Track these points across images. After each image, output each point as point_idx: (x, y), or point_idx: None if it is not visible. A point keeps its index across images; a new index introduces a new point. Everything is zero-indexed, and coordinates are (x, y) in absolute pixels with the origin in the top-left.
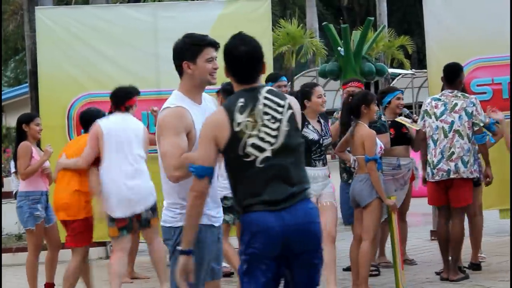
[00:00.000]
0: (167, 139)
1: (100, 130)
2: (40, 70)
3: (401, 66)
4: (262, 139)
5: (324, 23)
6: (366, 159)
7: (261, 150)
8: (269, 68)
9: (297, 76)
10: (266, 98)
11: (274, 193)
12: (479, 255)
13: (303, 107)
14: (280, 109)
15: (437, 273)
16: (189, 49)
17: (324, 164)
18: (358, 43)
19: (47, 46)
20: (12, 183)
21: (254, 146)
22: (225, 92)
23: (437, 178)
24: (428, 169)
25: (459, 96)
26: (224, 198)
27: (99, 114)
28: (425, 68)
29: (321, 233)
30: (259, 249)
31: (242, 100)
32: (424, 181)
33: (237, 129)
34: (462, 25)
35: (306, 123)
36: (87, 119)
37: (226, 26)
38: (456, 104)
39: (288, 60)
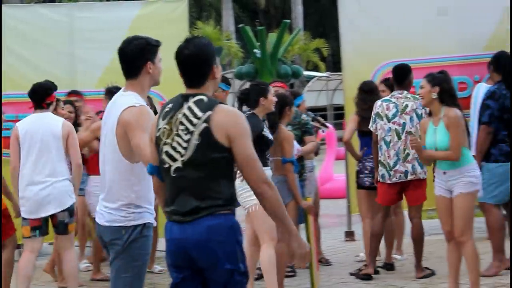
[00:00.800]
0: (144, 136)
1: (17, 132)
2: None
3: (316, 68)
4: (174, 149)
5: (241, 25)
6: (283, 161)
7: (173, 159)
8: None
9: None
10: (188, 107)
11: (181, 205)
12: (392, 255)
13: (256, 104)
14: (195, 120)
15: (351, 274)
16: (150, 50)
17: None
18: (274, 46)
19: None
20: None
21: (167, 154)
22: (108, 93)
23: (394, 179)
24: (383, 171)
25: (409, 98)
26: None
27: None
28: (340, 71)
29: (224, 251)
30: (167, 257)
31: (169, 105)
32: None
33: (157, 134)
34: (377, 30)
35: (263, 123)
36: None
37: (144, 27)
38: (406, 106)
39: None
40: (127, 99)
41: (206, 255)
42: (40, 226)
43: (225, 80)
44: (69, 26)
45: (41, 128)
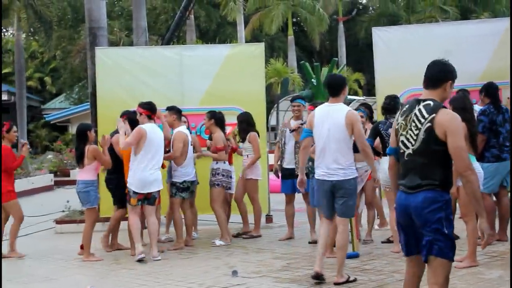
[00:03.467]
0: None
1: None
2: (98, 92)
3: (355, 93)
4: (407, 139)
5: (302, 61)
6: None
7: (406, 147)
8: (262, 94)
9: (282, 100)
10: (419, 109)
11: (409, 181)
12: None
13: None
14: (422, 120)
15: (382, 241)
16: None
17: None
18: (326, 77)
19: (103, 74)
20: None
21: (402, 143)
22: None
23: None
24: None
25: None
26: (184, 182)
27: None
28: (373, 95)
29: (433, 215)
30: (396, 215)
31: (406, 106)
32: None
33: (397, 127)
34: (400, 66)
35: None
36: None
37: (232, 63)
38: None
39: (275, 89)
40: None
41: (420, 216)
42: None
43: (304, 98)
44: (179, 62)
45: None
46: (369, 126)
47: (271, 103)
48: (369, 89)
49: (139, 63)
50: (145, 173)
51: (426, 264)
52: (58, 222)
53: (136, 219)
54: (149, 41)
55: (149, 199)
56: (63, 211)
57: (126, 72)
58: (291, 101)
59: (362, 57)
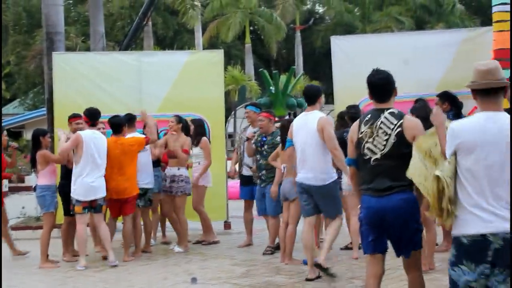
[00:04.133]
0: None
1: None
2: (55, 98)
3: None
4: (375, 146)
5: (260, 69)
6: (293, 166)
7: (373, 153)
8: (221, 101)
9: (239, 107)
10: (385, 117)
11: (378, 184)
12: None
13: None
14: (391, 126)
15: (341, 248)
16: None
17: None
18: (284, 85)
19: (60, 80)
20: (32, 180)
21: (369, 149)
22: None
23: None
24: None
25: None
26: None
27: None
28: (330, 103)
29: (411, 215)
30: (364, 219)
31: (368, 116)
32: None
33: (359, 135)
34: (358, 73)
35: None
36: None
37: (191, 70)
38: None
39: (233, 96)
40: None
41: (399, 217)
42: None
43: (256, 105)
44: (138, 68)
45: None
46: None
47: (229, 110)
48: (326, 97)
49: (97, 69)
50: (86, 180)
51: (403, 258)
52: (14, 228)
53: (83, 229)
54: (106, 47)
55: (94, 207)
56: (19, 217)
57: (84, 78)
58: (244, 107)
59: (319, 65)
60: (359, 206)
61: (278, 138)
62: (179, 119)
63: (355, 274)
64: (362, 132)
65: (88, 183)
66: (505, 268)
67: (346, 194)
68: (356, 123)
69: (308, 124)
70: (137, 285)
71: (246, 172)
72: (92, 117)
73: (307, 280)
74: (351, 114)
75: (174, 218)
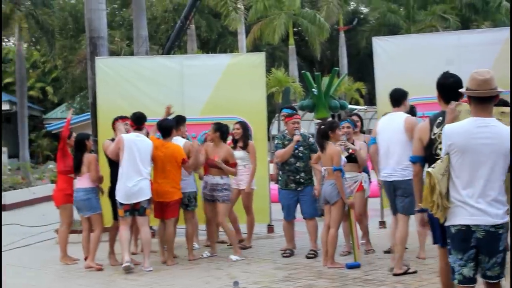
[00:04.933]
0: None
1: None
2: (98, 102)
3: (357, 103)
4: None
5: (303, 71)
6: (333, 169)
7: None
8: (263, 103)
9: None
10: None
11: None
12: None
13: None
14: None
15: (385, 252)
16: None
17: None
18: (327, 86)
19: (104, 84)
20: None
21: (441, 150)
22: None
23: None
24: None
25: None
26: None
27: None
28: (374, 105)
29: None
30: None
31: (440, 118)
32: None
33: (432, 136)
34: (400, 74)
35: None
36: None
37: (233, 73)
38: None
39: (276, 98)
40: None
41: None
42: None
43: (292, 108)
44: (180, 71)
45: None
46: (358, 137)
47: (273, 112)
48: (371, 98)
49: (139, 73)
50: (127, 184)
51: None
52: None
53: (125, 231)
54: (150, 51)
55: (137, 209)
56: None
57: (127, 82)
58: (280, 110)
59: (363, 66)
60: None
61: (311, 139)
62: (216, 127)
63: (398, 279)
64: (435, 134)
65: (128, 187)
66: (489, 256)
67: None
68: (426, 122)
69: (394, 124)
70: None
71: None
72: (137, 120)
73: (395, 275)
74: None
75: (225, 226)
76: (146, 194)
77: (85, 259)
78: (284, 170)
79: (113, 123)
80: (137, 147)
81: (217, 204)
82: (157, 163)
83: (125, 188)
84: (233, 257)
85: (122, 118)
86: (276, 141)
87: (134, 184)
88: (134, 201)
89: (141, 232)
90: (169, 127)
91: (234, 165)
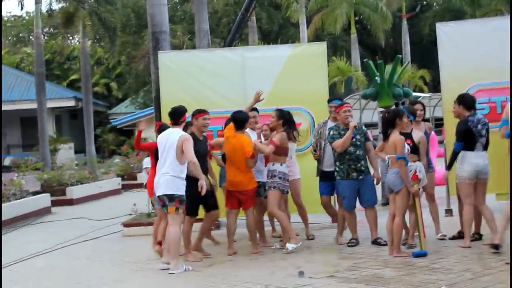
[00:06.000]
0: None
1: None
2: (162, 96)
3: (421, 90)
4: None
5: (365, 60)
6: (397, 157)
7: None
8: (325, 93)
9: (346, 98)
10: None
11: None
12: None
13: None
14: None
15: (450, 238)
16: None
17: None
18: (390, 74)
19: (166, 78)
20: (143, 177)
21: None
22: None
23: None
24: None
25: None
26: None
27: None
28: (439, 92)
29: None
30: None
31: None
32: None
33: None
34: (465, 60)
35: None
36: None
37: (294, 63)
38: None
39: (339, 87)
40: None
41: None
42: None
43: (340, 99)
44: (241, 64)
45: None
46: (419, 126)
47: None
48: (435, 86)
49: (201, 66)
50: (155, 177)
51: None
52: (126, 225)
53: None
54: (212, 44)
55: (163, 205)
56: (130, 214)
57: (189, 75)
58: (328, 102)
59: (426, 53)
60: None
61: (363, 127)
62: (280, 115)
63: (466, 267)
64: None
65: (155, 181)
66: None
67: (459, 182)
68: None
69: None
70: (245, 280)
71: (327, 168)
72: (172, 115)
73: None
74: (469, 102)
75: (277, 213)
76: (163, 190)
77: (159, 243)
78: (344, 160)
79: (194, 117)
80: (167, 140)
81: (269, 191)
82: (229, 154)
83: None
84: (289, 246)
85: (201, 112)
86: (331, 132)
87: (158, 178)
88: (158, 195)
89: (162, 226)
90: (243, 119)
91: (276, 146)
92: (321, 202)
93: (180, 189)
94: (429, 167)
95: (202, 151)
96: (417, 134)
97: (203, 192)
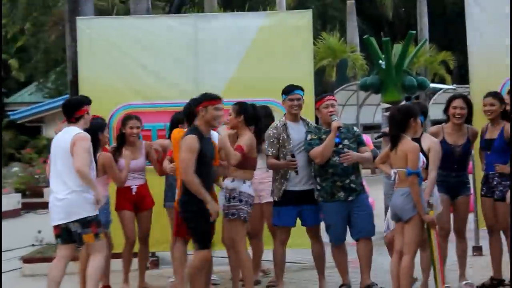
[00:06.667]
0: None
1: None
2: (81, 80)
3: (442, 81)
4: None
5: (365, 36)
6: (408, 173)
7: None
8: (309, 82)
9: (337, 90)
10: None
11: None
12: None
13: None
14: None
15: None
16: None
17: None
18: (399, 57)
19: (88, 56)
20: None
21: None
22: None
23: None
24: None
25: None
26: None
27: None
28: (467, 83)
29: None
30: None
31: None
32: None
33: None
34: (503, 42)
35: None
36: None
37: (267, 38)
38: None
39: (328, 74)
40: None
41: None
42: (59, 234)
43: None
44: (194, 37)
45: (59, 141)
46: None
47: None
48: (462, 74)
49: (137, 39)
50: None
51: None
52: (27, 260)
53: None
54: (153, 9)
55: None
56: (33, 245)
57: (120, 52)
58: (286, 93)
59: (450, 30)
60: None
61: (356, 128)
62: (240, 109)
63: None
64: None
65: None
66: None
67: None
68: None
69: None
70: None
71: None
72: (64, 110)
73: None
74: None
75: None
76: (66, 216)
77: None
78: (326, 174)
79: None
80: (55, 149)
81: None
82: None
83: None
84: None
85: (214, 99)
86: (308, 137)
87: (52, 201)
88: (56, 223)
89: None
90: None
91: (239, 149)
92: (276, 237)
93: (91, 207)
94: (466, 187)
95: (209, 155)
96: (428, 140)
97: (213, 218)
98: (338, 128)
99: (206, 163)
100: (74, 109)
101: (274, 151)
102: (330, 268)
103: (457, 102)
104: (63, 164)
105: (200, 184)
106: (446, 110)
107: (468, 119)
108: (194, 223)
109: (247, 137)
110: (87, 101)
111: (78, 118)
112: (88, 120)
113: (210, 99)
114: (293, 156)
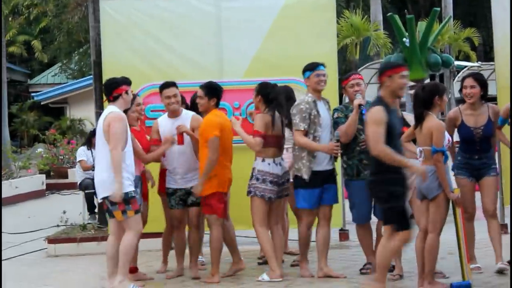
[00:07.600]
0: None
1: None
2: (104, 61)
3: (466, 59)
4: None
5: (389, 14)
6: (433, 151)
7: None
8: (333, 60)
9: (361, 68)
10: None
11: None
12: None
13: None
14: None
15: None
16: None
17: None
18: (423, 34)
19: (111, 36)
20: (76, 174)
21: None
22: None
23: None
24: None
25: None
26: None
27: None
28: (492, 61)
29: None
30: None
31: None
32: None
33: None
34: None
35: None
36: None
37: (290, 16)
38: None
39: (351, 52)
40: None
41: None
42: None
43: None
44: (216, 16)
45: (100, 121)
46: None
47: (347, 72)
48: (487, 52)
49: (160, 20)
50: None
51: None
52: (51, 241)
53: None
54: None
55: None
56: (58, 225)
57: (143, 32)
58: (312, 69)
59: (475, 7)
60: None
61: None
62: (259, 89)
63: None
64: None
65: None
66: None
67: None
68: None
69: None
70: None
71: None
72: (104, 90)
73: None
74: None
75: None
76: (101, 192)
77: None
78: (353, 152)
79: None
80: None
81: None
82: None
83: None
84: (263, 276)
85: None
86: (335, 115)
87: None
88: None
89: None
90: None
91: (255, 133)
92: (302, 219)
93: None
94: (490, 168)
95: (397, 126)
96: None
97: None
98: (359, 106)
99: (394, 136)
100: (111, 88)
101: (306, 126)
102: (355, 247)
103: (467, 81)
104: (98, 142)
105: (394, 152)
106: (461, 91)
107: (484, 96)
108: (389, 203)
109: (257, 119)
110: (126, 81)
111: (116, 97)
112: (128, 100)
113: (395, 67)
114: (338, 141)
